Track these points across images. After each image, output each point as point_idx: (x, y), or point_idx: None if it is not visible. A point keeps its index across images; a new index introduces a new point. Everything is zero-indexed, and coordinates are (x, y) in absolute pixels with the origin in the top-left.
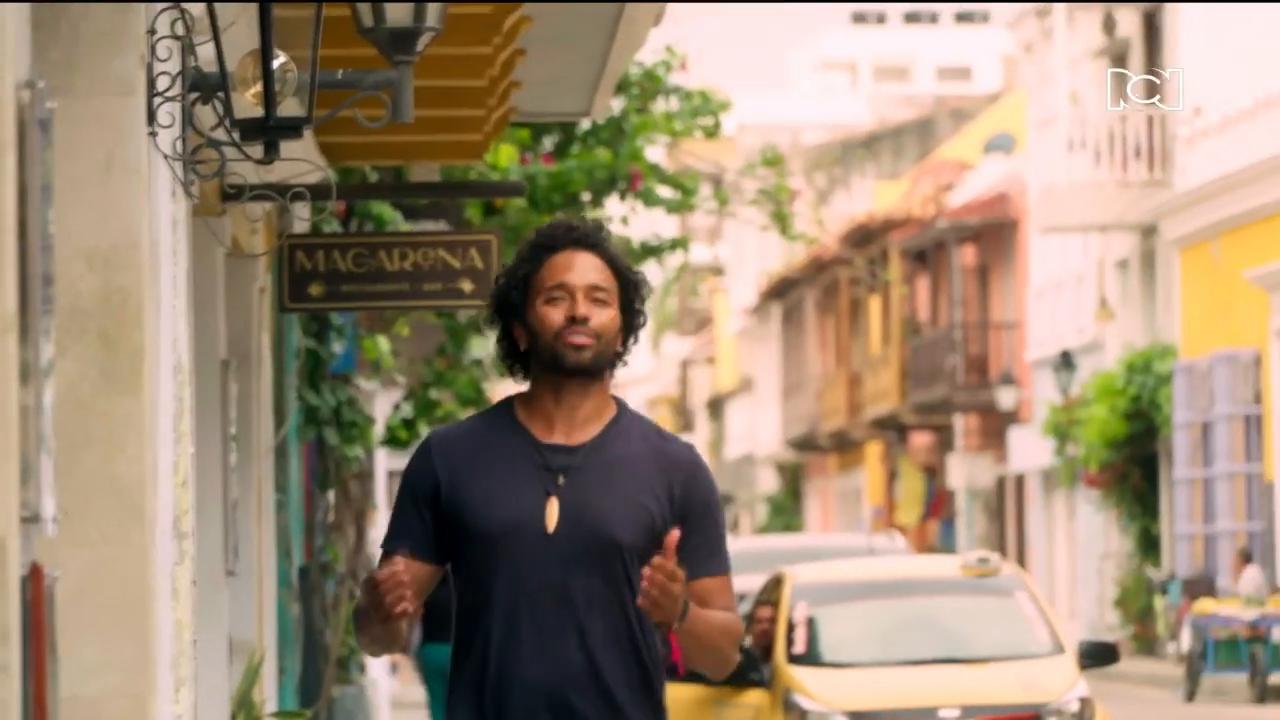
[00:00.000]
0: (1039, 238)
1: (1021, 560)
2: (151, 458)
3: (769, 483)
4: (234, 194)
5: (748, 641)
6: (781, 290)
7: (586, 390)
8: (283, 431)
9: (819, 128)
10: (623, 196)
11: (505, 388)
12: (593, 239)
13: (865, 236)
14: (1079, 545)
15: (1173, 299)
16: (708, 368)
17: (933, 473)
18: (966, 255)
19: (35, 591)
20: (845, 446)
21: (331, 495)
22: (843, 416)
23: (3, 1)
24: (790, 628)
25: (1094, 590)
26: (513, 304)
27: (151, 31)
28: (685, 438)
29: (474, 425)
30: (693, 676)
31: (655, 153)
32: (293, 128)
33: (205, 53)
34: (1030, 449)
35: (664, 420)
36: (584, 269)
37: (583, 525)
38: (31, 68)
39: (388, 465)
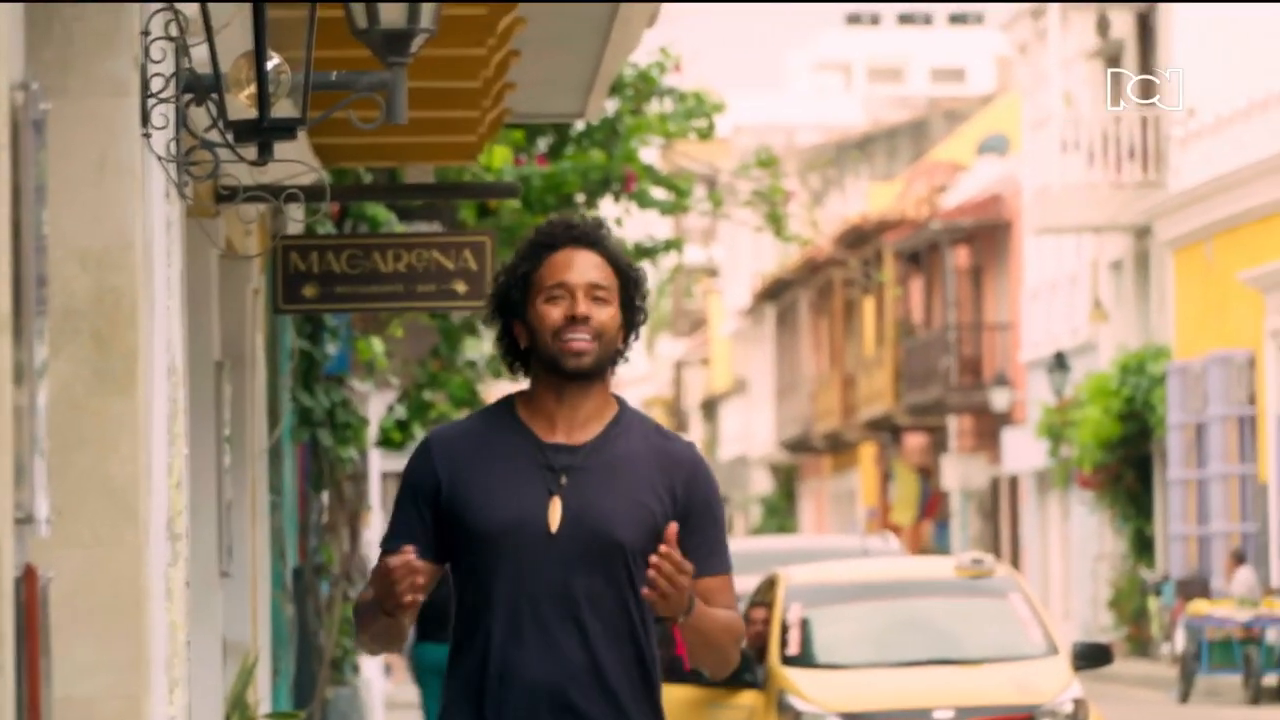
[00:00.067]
0: (1033, 239)
1: (1015, 561)
2: (145, 459)
3: (763, 484)
4: (228, 195)
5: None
6: (775, 291)
7: (588, 390)
8: (277, 433)
9: (813, 129)
10: (617, 198)
11: (499, 389)
12: (593, 237)
13: (859, 238)
14: (1073, 546)
15: (1167, 300)
16: (702, 369)
17: (927, 474)
18: (960, 256)
19: (29, 592)
20: (839, 448)
21: (326, 496)
22: (837, 418)
23: None
24: (784, 629)
25: (1088, 591)
26: (513, 302)
27: (145, 32)
28: None
29: (474, 424)
30: (687, 677)
31: (649, 154)
32: (287, 129)
33: (199, 54)
34: (1024, 450)
35: (658, 421)
36: (584, 267)
37: (585, 525)
38: (25, 69)
39: (382, 467)
